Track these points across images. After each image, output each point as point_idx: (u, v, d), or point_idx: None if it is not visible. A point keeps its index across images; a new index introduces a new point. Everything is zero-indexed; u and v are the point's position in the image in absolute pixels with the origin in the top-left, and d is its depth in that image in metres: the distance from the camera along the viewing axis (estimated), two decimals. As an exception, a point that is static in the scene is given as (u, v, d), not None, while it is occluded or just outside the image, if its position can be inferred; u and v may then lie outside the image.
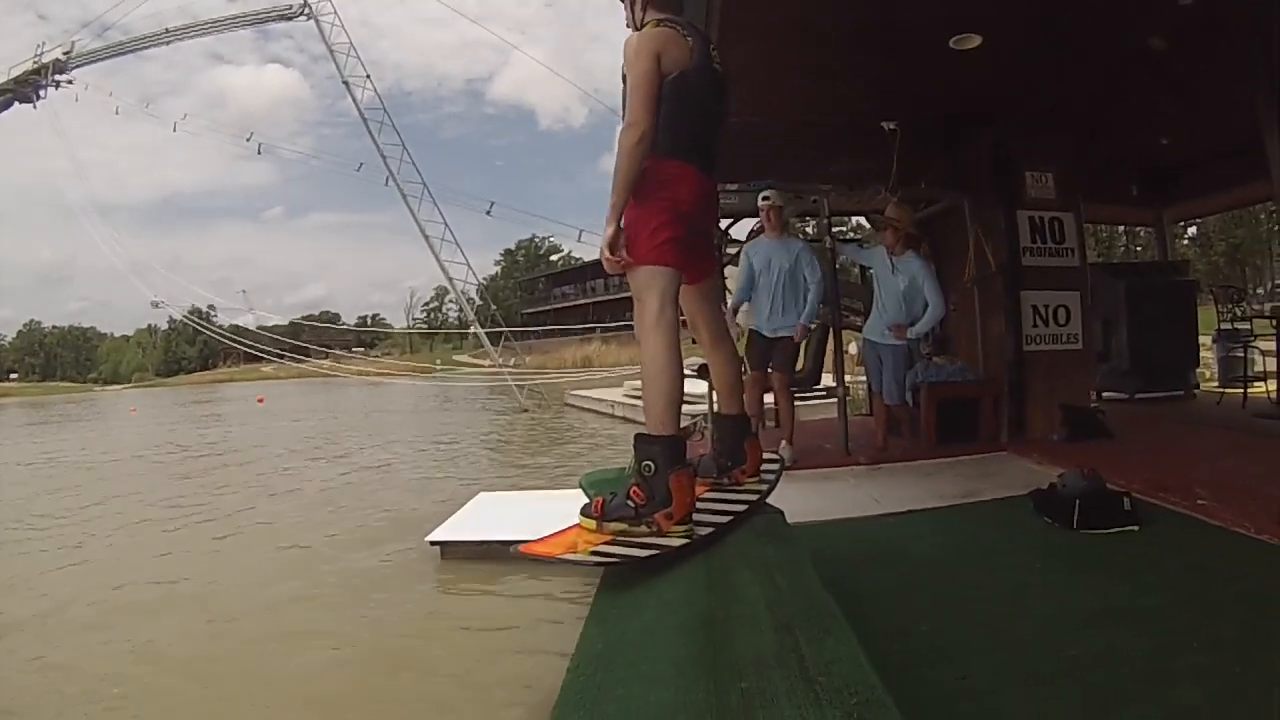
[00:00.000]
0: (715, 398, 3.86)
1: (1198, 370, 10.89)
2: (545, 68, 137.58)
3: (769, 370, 6.91)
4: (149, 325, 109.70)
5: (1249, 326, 9.85)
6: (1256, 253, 49.57)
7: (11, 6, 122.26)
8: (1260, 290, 46.15)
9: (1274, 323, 8.98)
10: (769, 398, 7.32)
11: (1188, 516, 4.70)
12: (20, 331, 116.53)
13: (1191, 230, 43.03)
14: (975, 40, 6.16)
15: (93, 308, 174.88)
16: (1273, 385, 8.84)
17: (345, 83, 43.54)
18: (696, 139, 3.17)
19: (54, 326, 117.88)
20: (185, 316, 56.87)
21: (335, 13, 44.84)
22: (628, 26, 3.43)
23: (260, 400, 44.34)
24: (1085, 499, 4.67)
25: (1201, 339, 10.94)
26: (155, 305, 55.91)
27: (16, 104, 46.17)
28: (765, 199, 6.87)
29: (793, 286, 6.85)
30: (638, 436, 2.93)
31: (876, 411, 7.45)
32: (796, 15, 5.86)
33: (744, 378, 6.19)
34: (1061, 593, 3.79)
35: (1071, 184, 7.85)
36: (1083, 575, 4.01)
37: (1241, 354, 9.57)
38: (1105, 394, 9.80)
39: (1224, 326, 10.33)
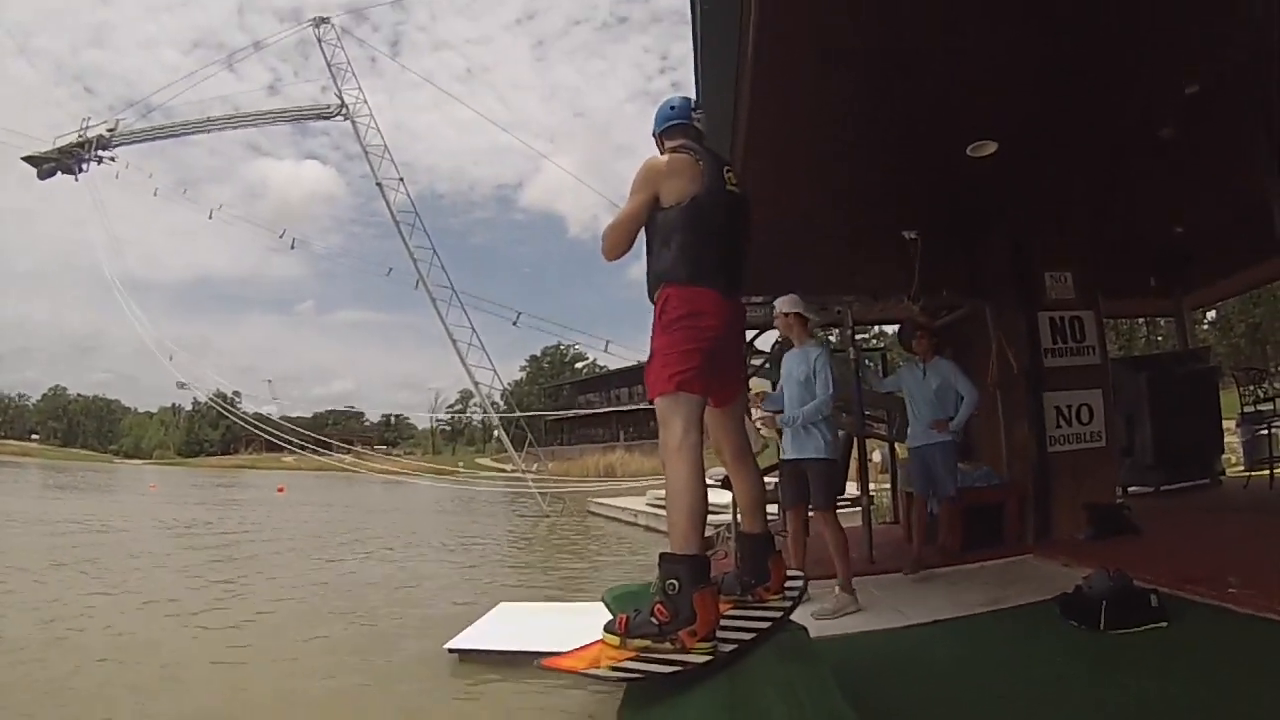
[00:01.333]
0: (739, 515, 3.88)
1: (1223, 456, 10.78)
2: (574, 177, 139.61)
3: (809, 507, 6.18)
4: (173, 404, 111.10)
5: (1272, 406, 9.80)
6: (1277, 330, 49.22)
7: (60, 77, 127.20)
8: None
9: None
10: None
11: (1216, 607, 4.68)
12: (45, 395, 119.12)
13: (1211, 314, 42.89)
14: (991, 147, 6.26)
15: (118, 380, 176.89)
16: (1300, 465, 8.74)
17: (379, 185, 44.57)
18: (717, 263, 3.26)
19: (79, 395, 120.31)
20: (211, 399, 57.03)
21: (371, 115, 46.32)
22: None
23: (281, 490, 43.89)
24: (1111, 599, 4.64)
25: (1225, 423, 10.87)
26: (181, 386, 56.29)
27: (60, 174, 47.25)
28: (775, 308, 6.37)
29: (812, 399, 6.05)
30: (662, 555, 2.97)
31: (916, 517, 7.34)
32: (818, 135, 6.02)
33: (788, 510, 6.19)
34: (1090, 695, 3.74)
35: (1090, 281, 7.89)
36: (1112, 676, 3.97)
37: (1266, 434, 9.50)
38: (1130, 488, 9.72)
39: (1247, 409, 10.29)
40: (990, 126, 6.08)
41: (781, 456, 6.39)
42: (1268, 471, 9.09)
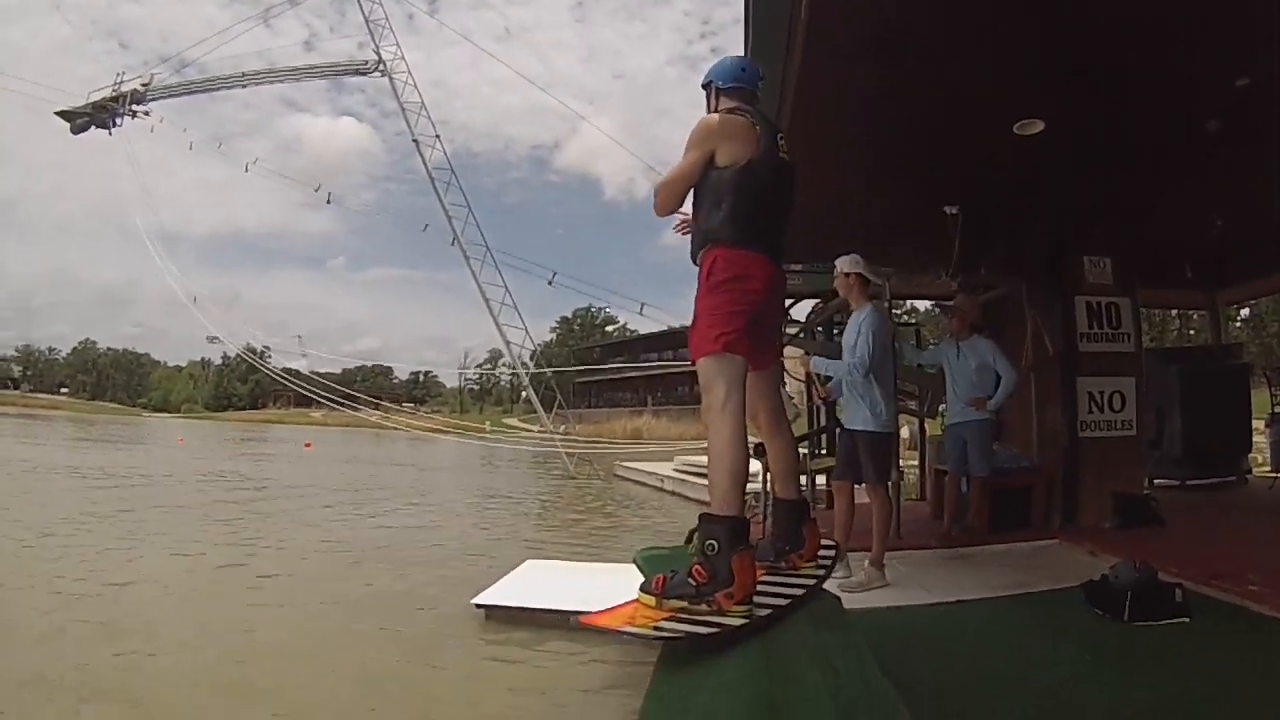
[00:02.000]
0: (772, 481, 3.93)
1: (1250, 455, 10.73)
2: (611, 139, 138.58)
3: (860, 480, 6.11)
4: (202, 359, 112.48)
5: (1304, 409, 9.76)
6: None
7: (95, 31, 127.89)
8: (1315, 369, 45.02)
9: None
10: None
11: (1239, 607, 4.70)
12: (75, 349, 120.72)
13: (1244, 312, 42.29)
14: (1038, 125, 6.21)
15: (149, 334, 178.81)
16: (1326, 468, 8.70)
17: (415, 141, 44.56)
18: (765, 228, 3.31)
19: (108, 348, 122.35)
20: (241, 352, 57.51)
21: (409, 71, 46.14)
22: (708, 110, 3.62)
23: (309, 445, 44.43)
24: (1137, 591, 4.66)
25: (1255, 422, 10.80)
26: (211, 340, 56.78)
27: (94, 128, 47.57)
28: (835, 268, 6.25)
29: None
30: (702, 516, 3.02)
31: (948, 495, 7.40)
32: (865, 104, 5.99)
33: (834, 482, 6.19)
34: (1113, 686, 3.77)
35: (1128, 269, 7.88)
36: (1134, 668, 3.99)
37: (1295, 436, 9.47)
38: (1156, 480, 9.69)
39: (1277, 410, 10.23)
40: (1039, 106, 6.03)
41: (844, 424, 6.32)
42: (1294, 474, 9.04)
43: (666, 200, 3.41)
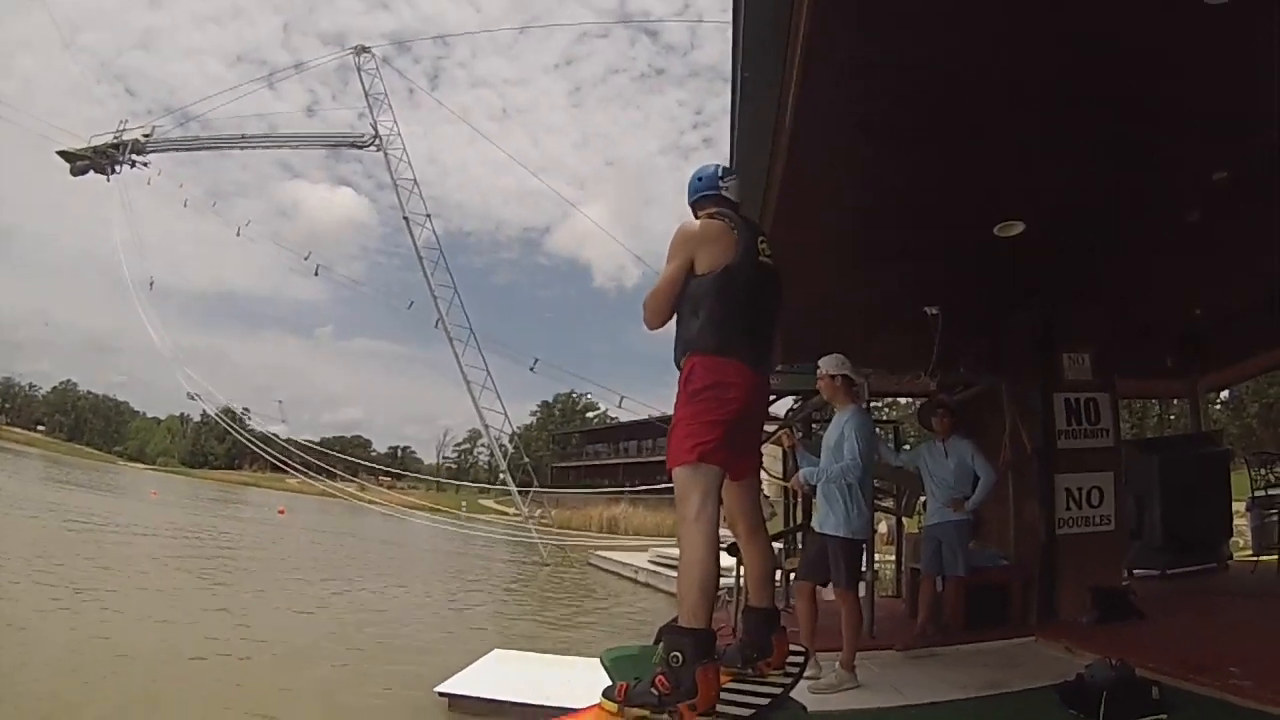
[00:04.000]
0: (747, 587, 3.87)
1: (1231, 540, 10.68)
2: (600, 228, 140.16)
3: (824, 582, 5.93)
4: (182, 414, 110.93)
5: (1283, 491, 9.76)
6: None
7: (103, 75, 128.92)
8: (1295, 449, 45.36)
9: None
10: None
11: (1220, 700, 4.61)
12: (56, 388, 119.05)
13: (1224, 394, 42.65)
14: (1018, 227, 6.24)
15: (133, 384, 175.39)
16: (1309, 549, 8.67)
17: (405, 219, 45.07)
18: (746, 333, 3.28)
19: (89, 392, 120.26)
20: (218, 415, 57.10)
21: (404, 148, 46.89)
22: None
23: (282, 511, 44.27)
24: (1112, 690, 4.54)
25: (1236, 504, 10.79)
26: (191, 398, 56.29)
27: (92, 172, 47.89)
28: (817, 369, 6.17)
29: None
30: (667, 627, 3.01)
31: (923, 595, 7.21)
32: (846, 207, 6.06)
33: (796, 584, 6.05)
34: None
35: (1107, 363, 7.86)
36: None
37: (1276, 519, 9.43)
38: (1136, 570, 9.61)
39: (1258, 494, 10.22)
40: (1018, 207, 6.08)
41: (815, 527, 6.12)
42: (1276, 557, 9.06)
43: (656, 312, 3.37)
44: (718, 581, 3.06)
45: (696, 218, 3.58)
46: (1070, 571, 7.35)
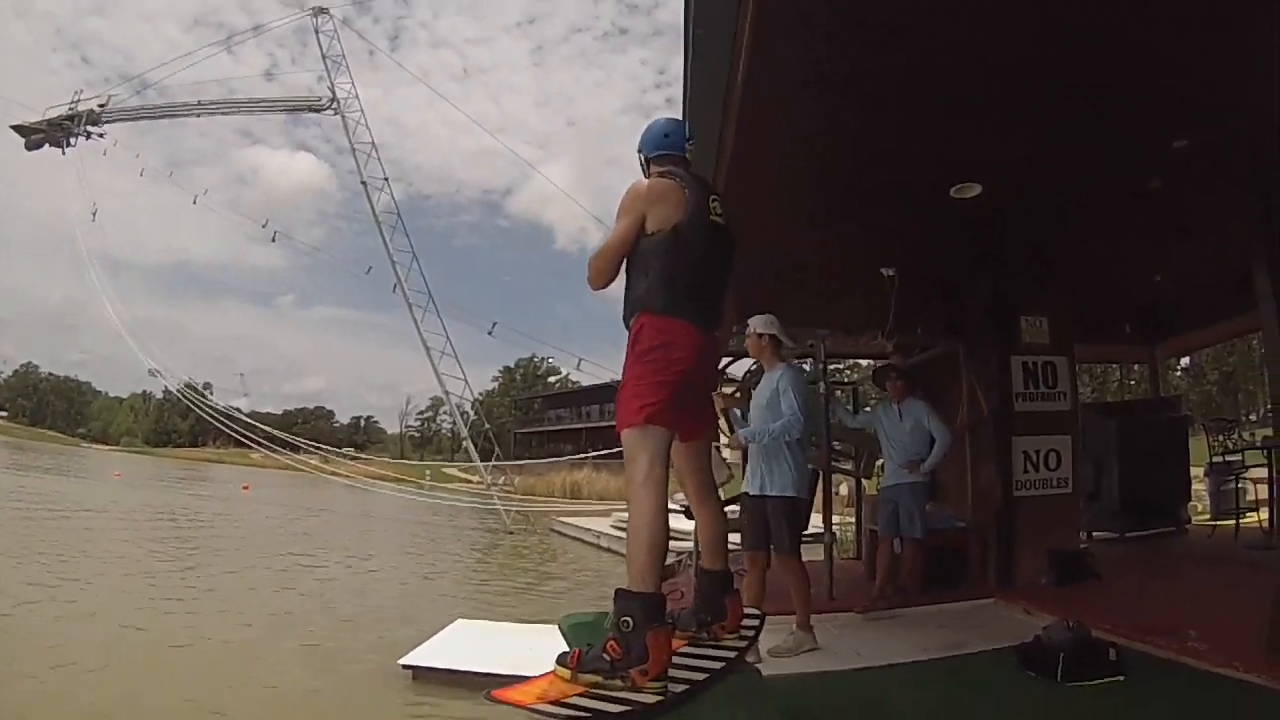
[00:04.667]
0: (699, 549, 3.84)
1: (1190, 504, 10.80)
2: (561, 191, 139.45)
3: (771, 549, 5.72)
4: (144, 391, 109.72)
5: (1240, 458, 9.86)
6: (1249, 379, 49.55)
7: (57, 43, 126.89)
8: (1254, 416, 46.07)
9: (1265, 453, 8.95)
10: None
11: (1174, 662, 4.66)
12: (17, 371, 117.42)
13: (1184, 361, 43.19)
14: (975, 189, 6.20)
15: (93, 361, 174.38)
16: (1265, 515, 8.76)
17: (364, 183, 44.60)
18: (695, 293, 3.24)
19: (50, 374, 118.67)
20: (180, 391, 56.54)
21: (362, 111, 46.44)
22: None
23: (246, 488, 44.12)
24: (1070, 651, 4.59)
25: (1195, 470, 10.91)
26: (152, 374, 55.76)
27: (47, 145, 47.04)
28: (747, 329, 6.01)
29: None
30: (618, 591, 2.94)
31: (881, 557, 7.24)
32: (801, 164, 5.97)
33: (746, 554, 5.97)
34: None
35: (1066, 327, 7.89)
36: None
37: (1234, 484, 9.55)
38: (1095, 533, 9.71)
39: (1215, 460, 10.33)
40: (976, 169, 6.04)
41: (743, 490, 6.03)
42: (1234, 521, 9.15)
43: (601, 270, 3.30)
44: (666, 544, 3.03)
45: (646, 172, 3.55)
46: (1028, 534, 7.38)
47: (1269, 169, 5.30)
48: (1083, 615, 4.97)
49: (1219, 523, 9.73)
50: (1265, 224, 6.00)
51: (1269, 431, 12.05)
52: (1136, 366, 15.31)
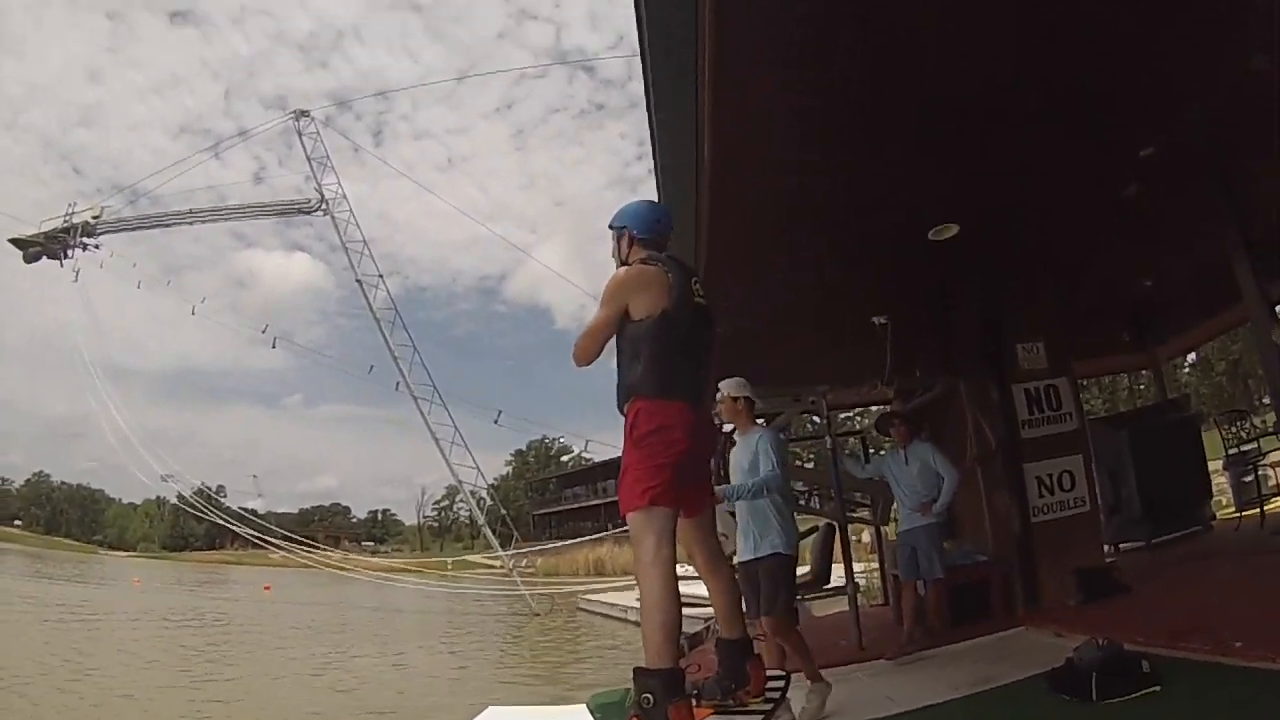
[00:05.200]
0: (717, 620, 3.84)
1: (1213, 500, 10.72)
2: (554, 272, 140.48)
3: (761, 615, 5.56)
4: (158, 497, 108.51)
5: (1256, 446, 9.81)
6: (1257, 364, 49.24)
7: (48, 155, 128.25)
8: (1267, 400, 45.83)
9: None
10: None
11: (1211, 664, 4.58)
12: (29, 480, 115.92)
13: (1191, 356, 42.97)
14: (953, 229, 6.31)
15: (103, 469, 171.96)
16: (1289, 500, 8.70)
17: (359, 282, 44.73)
18: (686, 373, 3.32)
19: (63, 482, 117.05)
20: (193, 497, 56.33)
21: (350, 210, 46.63)
22: (612, 257, 3.67)
23: (267, 588, 43.63)
24: (1101, 669, 4.55)
25: (1214, 465, 10.84)
26: (165, 479, 55.55)
27: (45, 258, 47.11)
28: (717, 393, 5.71)
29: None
30: (636, 670, 2.98)
31: (905, 602, 7.22)
32: (780, 232, 6.08)
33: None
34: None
35: (1062, 348, 7.90)
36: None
37: (1252, 477, 9.49)
38: (1121, 545, 9.68)
39: (1231, 452, 10.28)
40: (950, 210, 6.15)
41: (735, 559, 5.73)
42: (1257, 511, 9.08)
43: (585, 351, 3.41)
44: (679, 620, 3.07)
45: (621, 247, 3.63)
46: (1049, 557, 7.36)
47: (1228, 157, 5.38)
48: (1114, 629, 4.99)
49: (1244, 514, 9.63)
50: (1234, 212, 6.09)
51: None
52: (1145, 372, 15.24)
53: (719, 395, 5.75)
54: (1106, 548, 8.58)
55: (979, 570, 7.56)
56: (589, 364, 3.43)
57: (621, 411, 3.35)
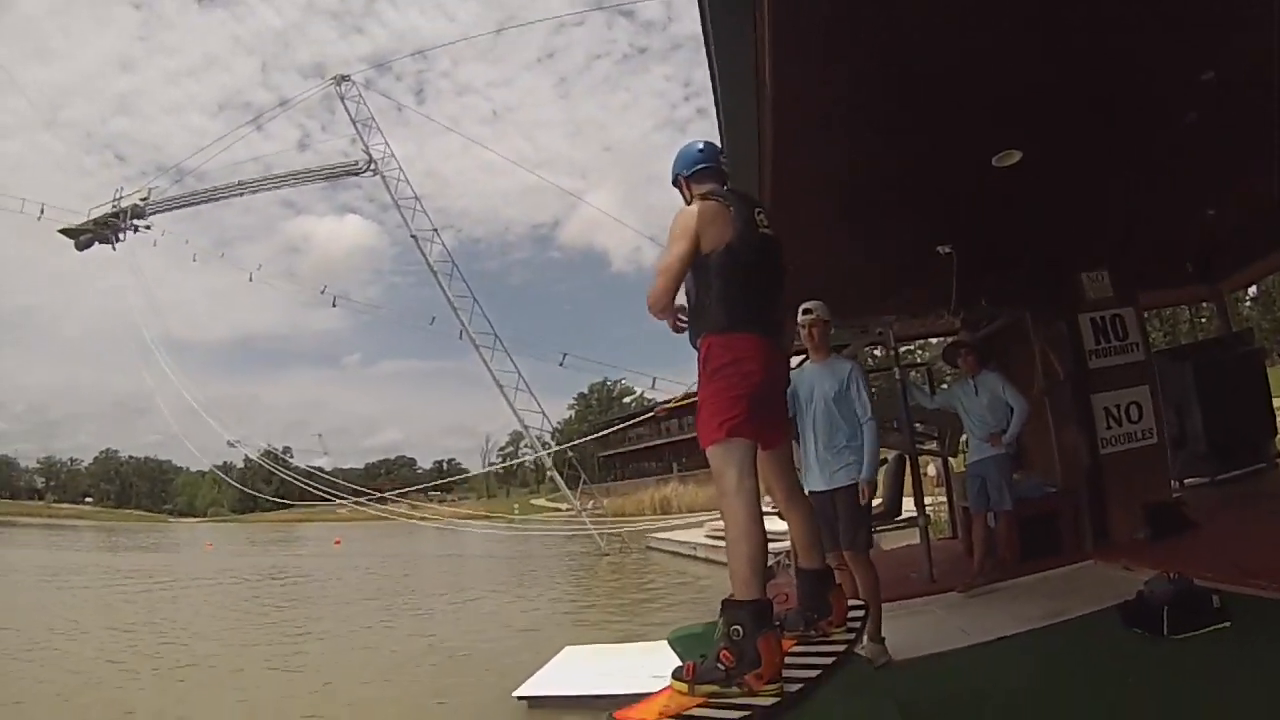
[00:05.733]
0: (796, 551, 3.91)
1: (1277, 438, 10.60)
2: (607, 214, 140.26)
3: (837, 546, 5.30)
4: (225, 462, 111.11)
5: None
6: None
7: (90, 146, 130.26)
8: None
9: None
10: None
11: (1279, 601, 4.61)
12: (97, 458, 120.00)
13: (1252, 290, 41.91)
14: (1016, 156, 6.21)
15: (169, 441, 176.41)
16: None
17: (414, 237, 45.02)
18: (755, 306, 3.34)
19: (130, 456, 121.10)
20: (260, 458, 57.46)
21: (400, 167, 46.80)
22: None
23: (338, 542, 44.17)
24: (1173, 604, 4.59)
25: (1278, 401, 10.69)
26: (231, 445, 56.67)
27: (97, 244, 48.08)
28: (806, 313, 5.67)
29: (843, 419, 5.48)
30: (725, 602, 3.03)
31: (976, 534, 7.28)
32: (844, 158, 6.01)
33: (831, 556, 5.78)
34: (1158, 705, 3.76)
35: (1127, 277, 7.86)
36: (1179, 684, 3.97)
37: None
38: (1186, 480, 9.60)
39: (1294, 388, 10.15)
40: (1013, 136, 6.04)
41: (808, 489, 5.07)
42: (1325, 447, 8.95)
43: (659, 296, 3.37)
44: (766, 551, 3.12)
45: (687, 196, 3.65)
46: (1119, 490, 7.37)
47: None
48: (1183, 565, 4.97)
49: (1309, 453, 9.53)
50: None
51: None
52: (1205, 304, 14.92)
53: (810, 316, 5.66)
54: (1172, 483, 8.50)
55: (1048, 502, 7.55)
56: (665, 308, 3.38)
57: (694, 346, 3.38)
